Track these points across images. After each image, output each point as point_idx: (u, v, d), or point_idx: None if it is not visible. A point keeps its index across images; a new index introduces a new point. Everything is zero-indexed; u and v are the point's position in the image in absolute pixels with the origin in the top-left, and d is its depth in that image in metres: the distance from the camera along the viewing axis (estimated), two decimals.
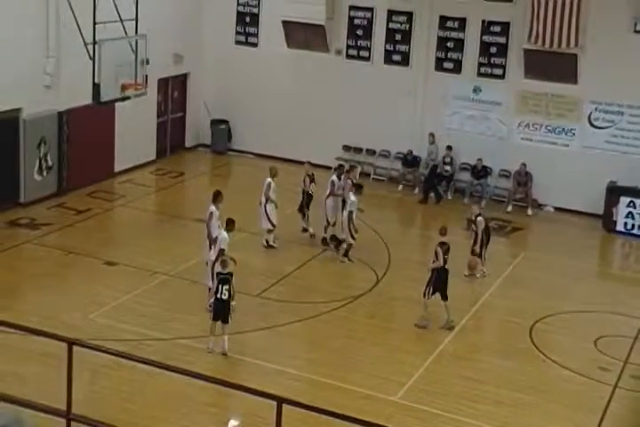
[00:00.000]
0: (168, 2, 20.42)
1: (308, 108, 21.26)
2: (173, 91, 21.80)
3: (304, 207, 16.67)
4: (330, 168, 20.97)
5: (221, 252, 12.76)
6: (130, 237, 16.37)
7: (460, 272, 14.94)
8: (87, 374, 10.44)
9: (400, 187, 20.47)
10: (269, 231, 16.06)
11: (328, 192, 16.40)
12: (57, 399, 7.58)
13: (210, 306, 12.61)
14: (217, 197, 13.81)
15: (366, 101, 20.70)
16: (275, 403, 6.43)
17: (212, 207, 13.67)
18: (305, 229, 16.68)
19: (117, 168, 19.62)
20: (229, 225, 13.13)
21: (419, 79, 20.34)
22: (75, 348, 7.23)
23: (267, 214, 15.89)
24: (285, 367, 11.89)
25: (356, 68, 20.84)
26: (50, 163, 17.73)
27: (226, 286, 11.96)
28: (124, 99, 16.49)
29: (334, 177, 16.56)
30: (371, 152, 21.08)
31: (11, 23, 16.12)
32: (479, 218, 15.23)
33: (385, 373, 11.98)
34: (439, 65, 20.17)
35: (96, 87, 15.42)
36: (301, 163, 20.73)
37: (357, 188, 15.82)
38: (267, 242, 16.05)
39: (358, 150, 21.15)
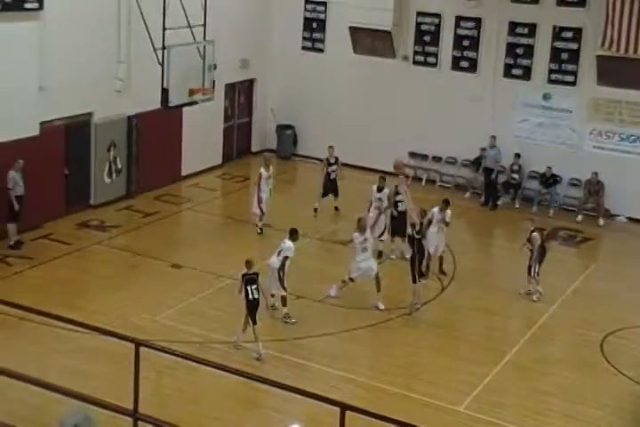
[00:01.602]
0: (236, 8, 20.59)
1: (373, 114, 21.18)
2: (240, 96, 21.97)
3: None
4: (396, 175, 20.89)
5: (285, 259, 12.85)
6: (196, 240, 16.49)
7: (515, 289, 14.61)
8: (153, 375, 10.51)
9: (467, 194, 20.23)
10: (260, 218, 16.78)
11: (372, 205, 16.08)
12: (123, 398, 7.65)
13: (271, 306, 13.03)
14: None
15: (433, 108, 20.54)
16: (338, 409, 6.36)
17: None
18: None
19: (184, 172, 19.84)
20: (293, 235, 13.14)
21: (487, 86, 20.09)
22: (141, 348, 7.28)
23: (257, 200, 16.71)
24: (349, 374, 11.79)
25: (422, 74, 20.71)
26: (119, 166, 18.02)
27: (254, 286, 11.99)
28: (191, 104, 16.67)
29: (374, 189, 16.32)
30: (437, 159, 20.89)
31: (84, 29, 16.43)
32: (534, 234, 14.70)
33: (450, 382, 11.78)
34: (508, 71, 19.90)
35: (165, 92, 15.61)
36: (367, 169, 20.82)
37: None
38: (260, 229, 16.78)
39: (424, 157, 20.98)
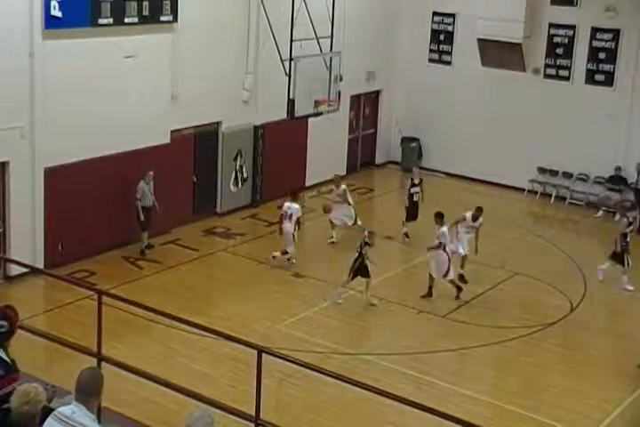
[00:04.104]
0: (363, 20, 20.58)
1: (501, 127, 20.71)
2: (365, 107, 21.94)
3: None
4: (523, 190, 20.35)
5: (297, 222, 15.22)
6: (318, 250, 16.48)
7: None
8: (273, 382, 10.49)
9: (599, 213, 19.41)
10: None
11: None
12: (243, 403, 7.63)
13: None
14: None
15: (564, 122, 19.88)
16: None
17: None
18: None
19: (308, 182, 19.94)
20: (294, 197, 15.44)
21: (624, 100, 19.27)
22: (264, 355, 7.23)
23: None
24: (471, 392, 11.44)
25: (554, 87, 20.10)
26: (245, 175, 18.27)
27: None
28: (317, 114, 16.71)
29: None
30: (567, 175, 20.17)
31: (214, 41, 16.79)
32: (623, 220, 14.18)
33: (579, 407, 11.23)
34: None
35: (291, 103, 15.70)
36: (493, 184, 20.33)
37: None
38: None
39: (554, 173, 20.31)
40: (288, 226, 15.13)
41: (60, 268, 13.98)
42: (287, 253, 15.25)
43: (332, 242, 16.58)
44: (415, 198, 16.95)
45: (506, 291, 14.97)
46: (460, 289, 14.27)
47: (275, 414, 8.67)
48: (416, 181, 17.12)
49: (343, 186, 16.92)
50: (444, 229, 14.18)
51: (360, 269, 13.77)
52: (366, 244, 13.77)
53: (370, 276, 13.84)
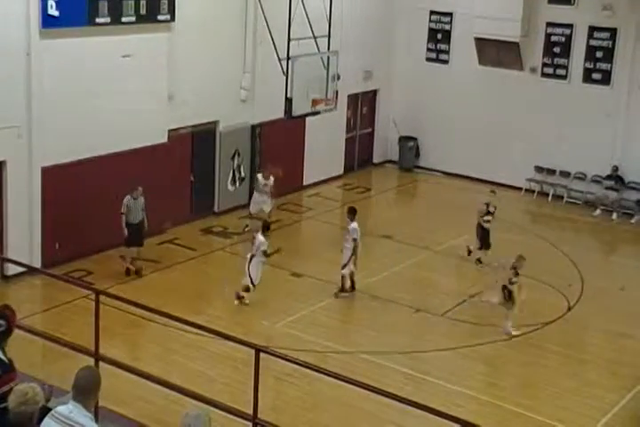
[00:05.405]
0: (361, 19, 20.57)
1: (498, 126, 20.70)
2: (362, 107, 21.93)
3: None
4: (520, 189, 20.36)
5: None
6: (316, 249, 16.47)
7: None
8: (271, 382, 10.48)
9: (597, 211, 19.42)
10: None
11: None
12: (241, 402, 7.63)
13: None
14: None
15: (562, 121, 19.88)
16: (458, 426, 6.08)
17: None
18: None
19: (306, 181, 19.93)
20: (264, 230, 13.74)
21: (621, 99, 19.27)
22: (261, 355, 7.22)
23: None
24: (469, 390, 11.44)
25: (551, 86, 20.11)
26: (243, 174, 18.26)
27: None
28: (314, 113, 16.70)
29: None
30: (565, 174, 20.18)
31: (211, 40, 16.77)
32: None
33: (577, 406, 11.23)
34: None
35: (288, 102, 15.70)
36: (492, 183, 20.35)
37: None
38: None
39: (551, 172, 20.31)
40: (247, 258, 13.56)
41: (58, 267, 13.96)
42: (247, 289, 13.47)
43: (247, 230, 16.43)
44: (486, 226, 15.80)
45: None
46: (342, 288, 14.05)
47: (273, 413, 8.65)
48: (491, 210, 15.79)
49: (272, 178, 16.75)
50: (355, 224, 14.04)
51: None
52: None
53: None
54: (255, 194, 17.05)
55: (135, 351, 12.15)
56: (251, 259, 13.57)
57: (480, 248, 15.76)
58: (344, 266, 14.00)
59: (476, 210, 15.92)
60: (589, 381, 11.97)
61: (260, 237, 13.69)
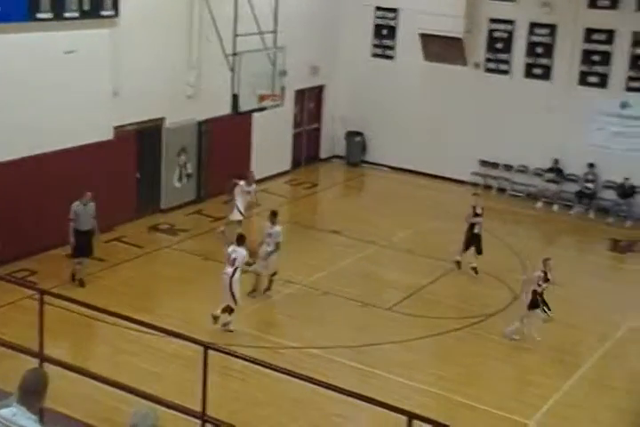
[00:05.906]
0: (306, 15, 20.63)
1: (443, 121, 20.98)
2: (309, 102, 22.01)
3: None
4: (464, 182, 20.67)
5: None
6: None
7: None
8: (221, 379, 10.52)
9: (539, 204, 19.84)
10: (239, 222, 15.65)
11: None
12: (190, 400, 7.66)
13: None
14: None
15: (504, 115, 20.24)
16: (405, 418, 6.23)
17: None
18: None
19: None
20: (240, 241, 12.72)
21: (561, 93, 19.70)
22: (210, 352, 7.27)
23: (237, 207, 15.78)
24: (416, 382, 11.62)
25: (494, 81, 20.45)
26: (189, 171, 18.20)
27: None
28: (261, 109, 16.76)
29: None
30: (508, 167, 20.56)
31: (157, 36, 16.65)
32: None
33: (519, 394, 11.54)
34: (583, 79, 19.50)
35: (235, 98, 15.72)
36: (437, 177, 20.61)
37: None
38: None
39: (495, 165, 20.68)
40: (227, 273, 12.51)
41: (2, 267, 13.72)
42: (231, 310, 12.61)
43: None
44: (476, 230, 15.37)
45: (448, 283, 15.22)
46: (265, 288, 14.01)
47: (222, 410, 8.69)
48: (479, 211, 15.47)
49: (254, 185, 16.24)
50: (278, 228, 13.87)
51: None
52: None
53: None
54: (238, 200, 15.86)
55: (82, 351, 12.06)
56: (233, 273, 12.48)
57: (465, 251, 15.42)
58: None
59: (464, 215, 15.56)
60: (530, 369, 12.29)
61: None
